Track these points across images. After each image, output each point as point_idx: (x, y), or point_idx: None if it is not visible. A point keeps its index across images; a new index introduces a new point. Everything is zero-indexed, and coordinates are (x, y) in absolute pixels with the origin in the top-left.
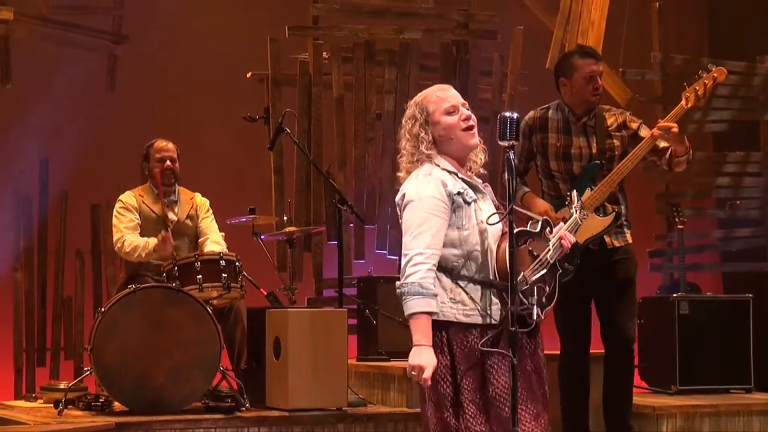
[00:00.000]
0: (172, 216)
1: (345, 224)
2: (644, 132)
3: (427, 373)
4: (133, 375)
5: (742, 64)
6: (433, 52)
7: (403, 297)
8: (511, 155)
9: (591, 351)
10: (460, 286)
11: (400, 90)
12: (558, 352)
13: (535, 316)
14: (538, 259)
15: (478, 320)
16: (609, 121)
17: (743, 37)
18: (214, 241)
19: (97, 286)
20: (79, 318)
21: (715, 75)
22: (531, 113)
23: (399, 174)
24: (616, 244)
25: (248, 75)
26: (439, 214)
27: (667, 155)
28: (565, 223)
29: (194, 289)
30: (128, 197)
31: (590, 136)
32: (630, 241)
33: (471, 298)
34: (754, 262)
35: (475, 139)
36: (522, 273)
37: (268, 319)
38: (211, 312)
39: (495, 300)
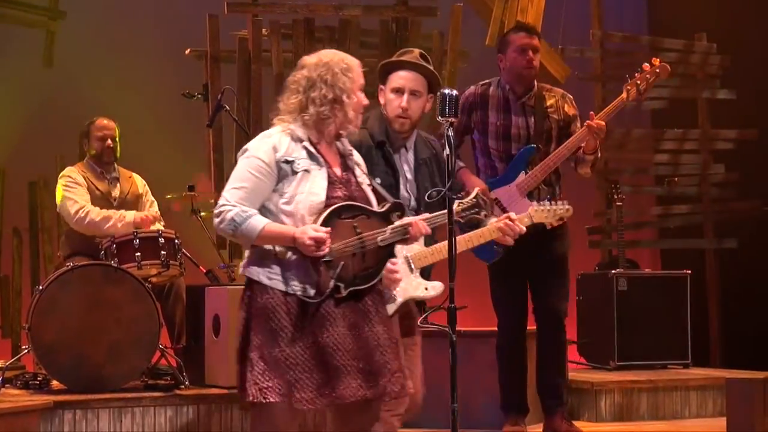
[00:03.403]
0: (115, 192)
1: None
2: (575, 127)
3: (316, 234)
4: (72, 353)
5: (680, 42)
6: (373, 29)
7: (237, 230)
8: (450, 132)
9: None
10: (276, 250)
11: None
12: (495, 329)
13: (328, 289)
14: (356, 237)
15: (280, 286)
16: (548, 102)
17: (681, 14)
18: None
19: (35, 264)
20: (17, 296)
21: (658, 71)
22: (471, 88)
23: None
24: (554, 223)
25: (187, 52)
26: (259, 176)
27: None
28: (501, 205)
29: (133, 267)
30: (74, 173)
31: (529, 117)
32: (565, 221)
33: (280, 264)
34: (692, 239)
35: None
36: (330, 245)
37: (207, 296)
38: (149, 289)
39: (312, 271)
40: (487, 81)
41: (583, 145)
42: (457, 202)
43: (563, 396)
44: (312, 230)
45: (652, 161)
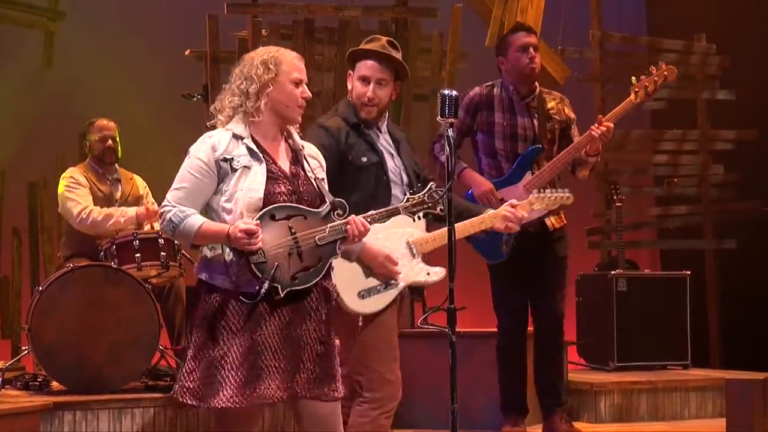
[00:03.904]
0: (116, 194)
1: None
2: (574, 131)
3: (246, 225)
4: (72, 354)
5: (679, 43)
6: (373, 30)
7: (176, 230)
8: (450, 133)
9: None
10: (224, 254)
11: (339, 68)
12: (494, 330)
13: (263, 291)
14: (290, 237)
15: (223, 287)
16: (549, 104)
17: (680, 15)
18: None
19: (35, 265)
20: (17, 297)
21: (666, 73)
22: (477, 89)
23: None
24: (556, 224)
25: (186, 52)
26: (198, 176)
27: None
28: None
29: (133, 268)
30: (77, 174)
31: (533, 117)
32: (565, 221)
33: (224, 266)
34: (692, 240)
35: (300, 117)
36: (261, 246)
37: None
38: (149, 290)
39: (247, 273)
40: (490, 83)
41: (587, 148)
42: (406, 197)
43: (561, 396)
44: (242, 223)
45: (651, 162)
